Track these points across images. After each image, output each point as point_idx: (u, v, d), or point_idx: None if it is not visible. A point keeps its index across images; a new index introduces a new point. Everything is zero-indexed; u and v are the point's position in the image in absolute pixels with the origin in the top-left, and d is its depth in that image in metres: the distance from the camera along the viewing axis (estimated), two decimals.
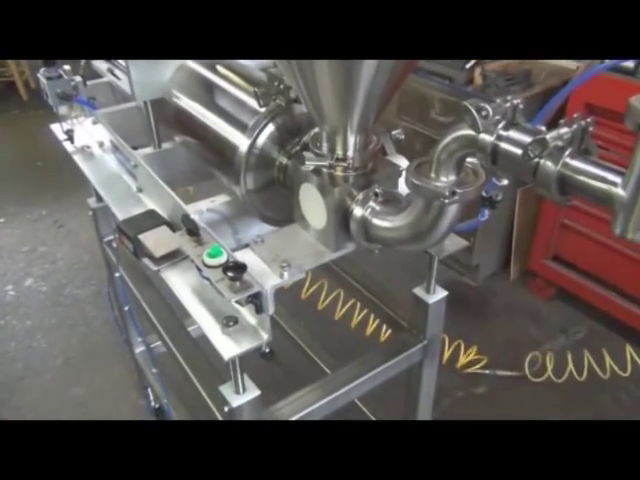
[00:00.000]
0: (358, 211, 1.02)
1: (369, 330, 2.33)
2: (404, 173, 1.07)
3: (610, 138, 2.21)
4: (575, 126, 0.68)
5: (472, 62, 2.47)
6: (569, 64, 2.46)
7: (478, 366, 2.46)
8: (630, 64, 2.13)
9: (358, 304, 2.14)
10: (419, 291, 1.36)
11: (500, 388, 2.43)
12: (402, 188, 1.08)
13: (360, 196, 1.02)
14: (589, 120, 0.68)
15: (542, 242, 2.74)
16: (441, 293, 1.36)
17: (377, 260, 1.10)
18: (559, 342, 2.62)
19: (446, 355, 2.39)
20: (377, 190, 1.01)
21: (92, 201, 1.86)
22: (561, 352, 2.49)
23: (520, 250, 2.91)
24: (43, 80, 1.64)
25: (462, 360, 2.45)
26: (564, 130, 0.68)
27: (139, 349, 2.15)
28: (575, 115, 0.68)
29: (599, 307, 2.61)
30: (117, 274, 1.84)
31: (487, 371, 2.47)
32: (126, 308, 1.90)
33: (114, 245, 1.73)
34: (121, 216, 1.30)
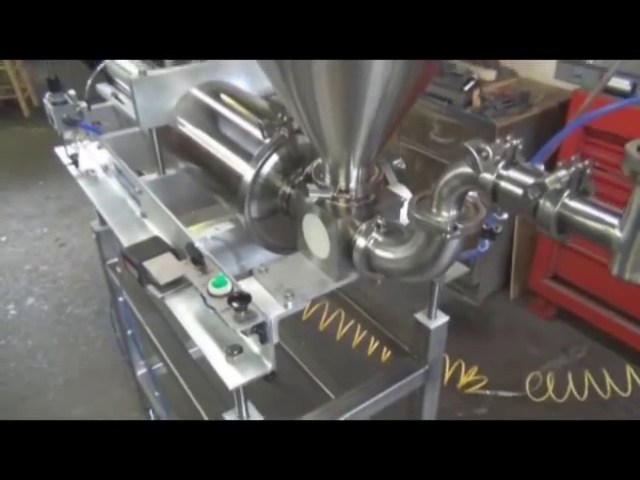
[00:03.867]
0: (361, 242, 1.04)
1: (370, 350, 2.34)
2: (406, 204, 1.10)
3: (607, 160, 2.23)
4: (573, 169, 0.70)
5: (471, 84, 2.50)
6: (566, 86, 2.49)
7: (479, 386, 2.46)
8: (627, 87, 2.16)
9: (359, 325, 2.15)
10: (420, 316, 1.37)
11: (501, 408, 2.43)
12: (404, 218, 1.09)
13: (363, 227, 1.04)
14: (587, 162, 0.70)
15: (541, 261, 2.76)
16: (442, 318, 1.37)
17: None
18: (560, 362, 2.62)
19: (447, 375, 2.40)
20: (379, 221, 1.03)
21: (95, 224, 1.87)
22: (562, 372, 2.49)
23: (520, 269, 2.92)
24: (49, 105, 1.66)
25: (463, 380, 2.46)
26: (562, 173, 0.70)
27: (141, 371, 2.15)
28: (573, 157, 0.70)
29: (599, 327, 2.62)
30: (120, 298, 1.85)
31: (488, 391, 2.47)
32: (129, 332, 1.91)
33: (118, 269, 1.74)
34: (125, 241, 1.32)
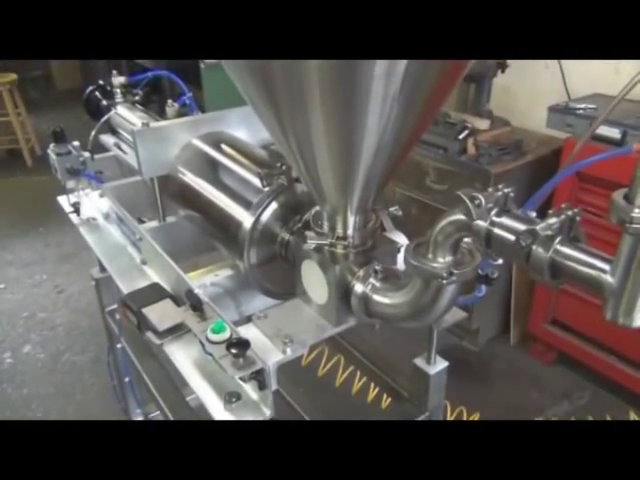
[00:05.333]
0: (359, 287, 1.05)
1: (370, 397, 2.30)
2: (402, 250, 1.11)
3: (601, 205, 2.27)
4: (563, 216, 0.72)
5: (465, 133, 2.56)
6: (558, 134, 2.56)
7: None
8: (617, 135, 2.21)
9: (358, 371, 2.13)
10: (420, 362, 1.36)
11: None
12: (401, 264, 1.11)
13: (360, 273, 1.06)
14: (576, 210, 0.72)
15: (540, 306, 2.75)
16: (442, 364, 1.36)
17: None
18: (562, 408, 2.58)
19: None
20: (377, 267, 1.04)
21: (95, 271, 1.89)
22: (565, 418, 2.45)
23: (519, 314, 2.91)
24: (53, 156, 1.71)
25: None
26: (553, 220, 0.72)
27: (137, 419, 2.12)
28: (563, 205, 0.72)
29: (601, 372, 2.60)
30: (118, 345, 1.84)
31: None
32: (126, 379, 1.89)
33: (116, 316, 1.74)
34: (125, 289, 1.33)
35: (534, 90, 2.92)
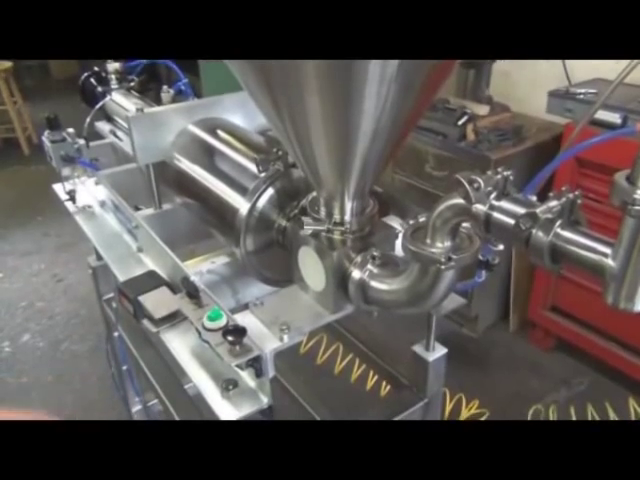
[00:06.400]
0: (356, 274, 1.04)
1: (369, 384, 2.31)
2: (400, 236, 1.10)
3: (601, 191, 2.25)
4: (564, 199, 0.71)
5: (464, 119, 2.54)
6: (558, 119, 2.53)
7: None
8: (617, 120, 2.19)
9: (357, 359, 2.13)
10: (418, 348, 1.36)
11: None
12: (399, 250, 1.10)
13: (358, 259, 1.04)
14: (577, 193, 0.71)
15: (540, 292, 2.75)
16: (441, 350, 1.36)
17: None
18: (561, 394, 2.59)
19: (447, 409, 2.35)
20: (374, 253, 1.03)
21: (92, 259, 1.88)
22: (564, 405, 2.45)
23: (518, 300, 2.91)
24: (47, 143, 1.68)
25: (464, 414, 2.41)
26: (553, 203, 0.70)
27: (136, 408, 2.12)
28: (563, 188, 0.71)
29: (600, 358, 2.60)
30: (116, 333, 1.84)
31: None
32: (124, 367, 1.89)
33: (113, 304, 1.73)
34: (121, 276, 1.32)
35: (534, 75, 2.89)
